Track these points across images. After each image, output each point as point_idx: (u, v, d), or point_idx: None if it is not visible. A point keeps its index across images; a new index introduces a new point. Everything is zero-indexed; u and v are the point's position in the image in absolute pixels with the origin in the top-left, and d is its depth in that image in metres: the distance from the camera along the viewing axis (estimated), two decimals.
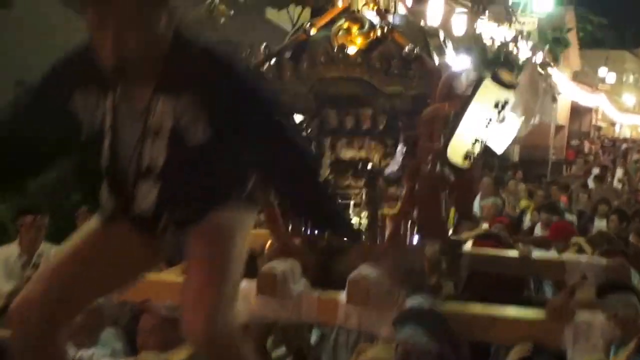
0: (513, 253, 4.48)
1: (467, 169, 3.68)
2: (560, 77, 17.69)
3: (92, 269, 2.29)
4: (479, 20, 9.30)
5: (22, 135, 2.17)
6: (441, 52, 3.92)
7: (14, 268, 5.21)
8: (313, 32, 3.96)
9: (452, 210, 4.00)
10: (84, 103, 2.16)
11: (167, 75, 2.08)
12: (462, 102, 3.50)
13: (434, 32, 3.96)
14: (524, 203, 10.26)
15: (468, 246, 4.88)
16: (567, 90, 21.23)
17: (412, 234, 3.81)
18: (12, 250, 5.36)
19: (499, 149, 3.89)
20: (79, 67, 2.12)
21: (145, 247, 2.37)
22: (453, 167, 3.56)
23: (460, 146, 3.47)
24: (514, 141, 3.66)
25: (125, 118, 2.15)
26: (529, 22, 15.43)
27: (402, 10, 4.20)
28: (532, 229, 8.05)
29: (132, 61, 2.01)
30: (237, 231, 2.38)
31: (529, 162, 17.96)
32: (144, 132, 2.12)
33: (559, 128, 23.81)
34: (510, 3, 16.19)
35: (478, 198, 8.55)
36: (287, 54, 4.01)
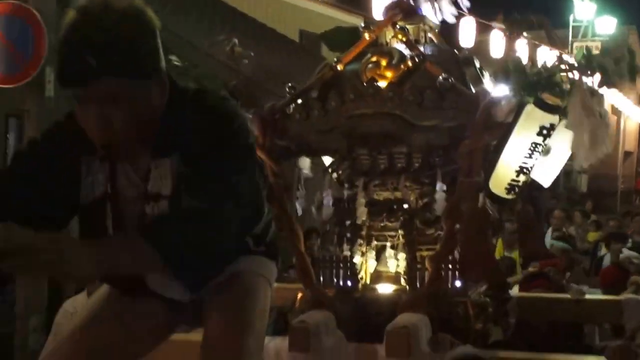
0: (564, 296, 4.13)
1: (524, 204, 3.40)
2: (623, 101, 16.87)
3: (111, 337, 2.12)
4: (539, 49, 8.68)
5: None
6: (477, 82, 3.67)
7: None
8: (340, 68, 3.74)
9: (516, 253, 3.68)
10: (84, 168, 2.01)
11: (162, 140, 1.92)
12: (503, 131, 3.23)
13: (469, 61, 3.71)
14: (592, 235, 9.72)
15: (516, 289, 4.54)
16: (634, 114, 20.39)
17: (453, 277, 3.51)
18: (80, 301, 4.70)
19: (545, 182, 3.58)
20: (76, 134, 1.93)
21: (164, 308, 2.19)
22: (500, 202, 3.28)
23: (503, 177, 3.20)
24: (581, 171, 3.37)
25: (124, 184, 2.01)
26: (591, 46, 14.84)
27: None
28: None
29: (122, 139, 1.86)
30: (260, 283, 2.21)
31: (598, 193, 17.08)
32: (144, 198, 1.97)
33: (627, 155, 22.77)
34: (571, 27, 15.71)
35: (549, 232, 8.12)
36: (314, 93, 3.80)
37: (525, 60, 3.51)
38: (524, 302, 3.98)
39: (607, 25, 16.12)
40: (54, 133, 2.04)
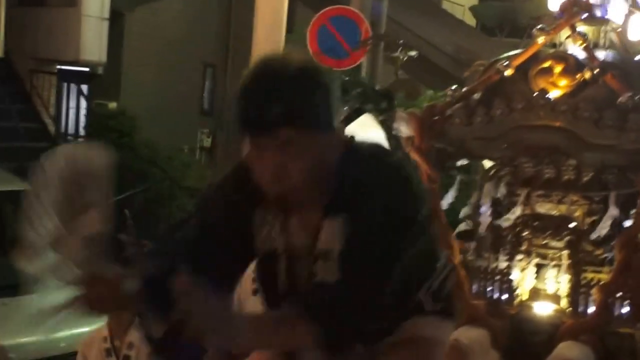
0: None
1: None
2: None
3: None
4: None
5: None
6: None
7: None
8: (508, 72, 3.50)
9: None
10: (259, 223, 2.00)
11: (337, 199, 1.89)
12: None
13: None
14: None
15: None
16: None
17: (620, 307, 3.31)
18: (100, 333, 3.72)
19: None
20: (247, 185, 1.93)
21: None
22: None
23: None
24: None
25: (294, 238, 1.99)
26: None
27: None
28: None
29: (295, 191, 1.86)
30: (436, 353, 2.12)
31: None
32: (314, 255, 1.94)
33: None
34: None
35: None
36: (477, 96, 3.59)
37: None
38: None
39: None
40: (224, 186, 2.05)
